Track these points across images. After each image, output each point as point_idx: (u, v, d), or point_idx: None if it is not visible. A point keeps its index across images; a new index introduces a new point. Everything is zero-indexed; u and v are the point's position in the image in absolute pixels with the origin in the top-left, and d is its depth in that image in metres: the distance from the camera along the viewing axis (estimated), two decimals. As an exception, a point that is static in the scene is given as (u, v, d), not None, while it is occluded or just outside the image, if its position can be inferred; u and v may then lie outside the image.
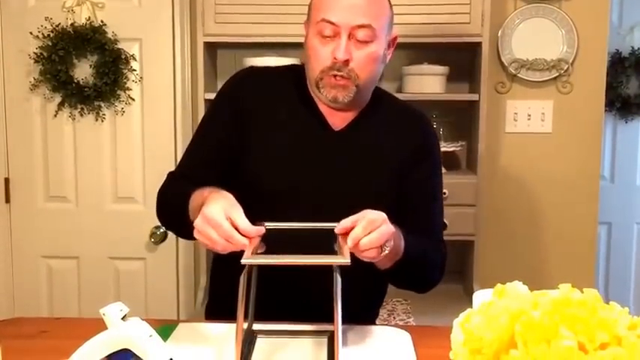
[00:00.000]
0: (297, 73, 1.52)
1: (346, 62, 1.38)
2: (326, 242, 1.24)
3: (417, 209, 1.51)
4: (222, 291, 1.55)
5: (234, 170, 1.47)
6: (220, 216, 1.16)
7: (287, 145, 1.47)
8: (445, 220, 1.60)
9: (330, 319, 1.13)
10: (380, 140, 1.50)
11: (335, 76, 1.40)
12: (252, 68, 1.62)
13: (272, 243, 1.22)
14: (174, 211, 1.41)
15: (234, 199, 1.23)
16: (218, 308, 1.61)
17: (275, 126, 1.48)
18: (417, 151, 1.51)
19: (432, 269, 1.51)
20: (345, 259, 1.11)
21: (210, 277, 1.67)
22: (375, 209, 1.24)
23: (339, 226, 1.21)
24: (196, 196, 1.31)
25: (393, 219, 1.26)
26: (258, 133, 1.47)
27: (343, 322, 1.12)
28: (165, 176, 1.54)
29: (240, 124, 1.47)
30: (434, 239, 1.54)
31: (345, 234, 1.19)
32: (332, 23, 1.38)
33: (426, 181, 1.53)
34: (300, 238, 1.21)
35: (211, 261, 1.69)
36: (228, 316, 1.36)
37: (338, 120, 1.49)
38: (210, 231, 1.17)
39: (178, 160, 1.65)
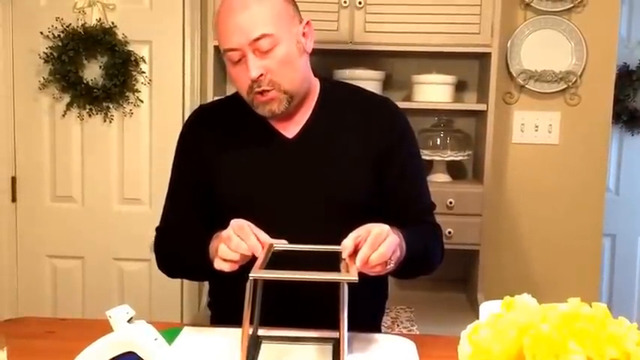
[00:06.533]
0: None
1: (262, 77, 1.39)
2: (330, 254, 1.25)
3: (404, 198, 1.51)
4: (223, 295, 1.57)
5: (212, 200, 1.51)
6: (230, 232, 1.24)
7: (248, 163, 1.49)
8: (433, 201, 1.58)
9: (334, 324, 1.14)
10: (340, 138, 1.49)
11: (260, 92, 1.41)
12: (201, 106, 1.67)
13: (276, 254, 1.23)
14: (189, 259, 1.44)
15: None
16: (218, 312, 1.62)
17: (233, 150, 1.50)
18: (388, 142, 1.50)
19: (434, 257, 1.52)
20: (352, 277, 1.11)
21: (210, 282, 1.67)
22: (349, 205, 1.34)
23: (344, 251, 1.20)
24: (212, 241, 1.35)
25: (375, 210, 1.30)
26: (221, 162, 1.50)
27: (348, 329, 1.12)
28: (155, 232, 1.57)
29: (204, 161, 1.51)
30: (427, 223, 1.54)
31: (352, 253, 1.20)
32: (233, 49, 1.40)
33: (406, 168, 1.52)
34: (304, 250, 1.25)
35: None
36: (230, 320, 1.37)
37: (290, 128, 1.50)
38: (222, 247, 1.24)
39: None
